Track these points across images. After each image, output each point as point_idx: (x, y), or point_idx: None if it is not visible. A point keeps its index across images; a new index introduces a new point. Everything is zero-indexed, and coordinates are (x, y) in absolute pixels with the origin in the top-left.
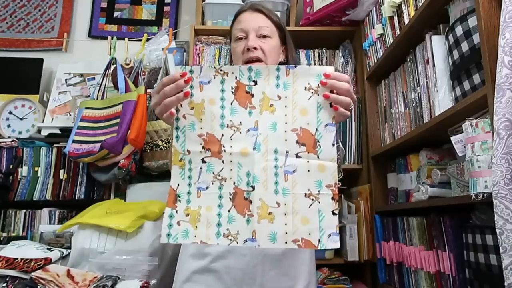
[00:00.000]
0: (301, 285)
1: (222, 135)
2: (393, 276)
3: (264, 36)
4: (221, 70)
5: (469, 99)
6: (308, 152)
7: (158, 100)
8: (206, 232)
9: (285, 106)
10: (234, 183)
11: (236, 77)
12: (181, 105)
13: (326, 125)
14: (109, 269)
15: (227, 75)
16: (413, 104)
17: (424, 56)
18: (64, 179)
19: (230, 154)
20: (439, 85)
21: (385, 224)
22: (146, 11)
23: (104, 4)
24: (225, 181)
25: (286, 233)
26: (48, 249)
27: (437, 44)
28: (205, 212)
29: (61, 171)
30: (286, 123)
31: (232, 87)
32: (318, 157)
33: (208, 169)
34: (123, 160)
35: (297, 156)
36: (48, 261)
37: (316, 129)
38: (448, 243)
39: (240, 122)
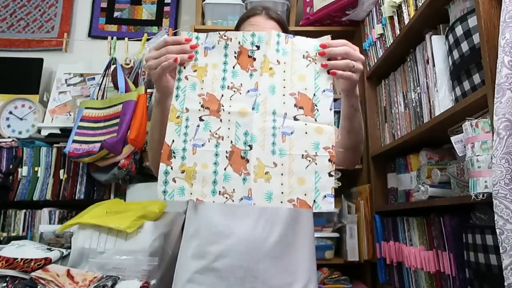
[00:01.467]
0: (301, 281)
1: (222, 95)
2: (393, 276)
3: None
4: (225, 36)
5: (469, 99)
6: (306, 115)
7: (157, 55)
8: (202, 189)
9: (284, 71)
10: (231, 142)
11: (239, 42)
12: (184, 67)
13: (324, 90)
14: (109, 269)
15: (231, 40)
16: (413, 104)
17: (424, 56)
18: (64, 179)
19: (229, 113)
20: (439, 85)
21: (385, 224)
22: (146, 11)
23: (104, 4)
24: (222, 139)
25: (282, 192)
26: (48, 249)
27: (437, 44)
28: (201, 170)
29: (61, 171)
30: (284, 87)
31: (235, 52)
32: (315, 120)
33: (206, 127)
34: (123, 160)
35: (295, 118)
36: (48, 261)
37: (314, 94)
38: (448, 243)
39: (241, 84)
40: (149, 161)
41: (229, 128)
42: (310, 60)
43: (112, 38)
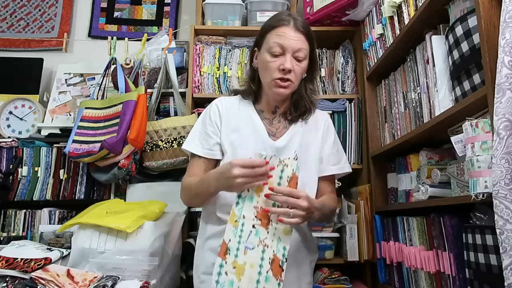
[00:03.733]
0: None
1: (271, 214)
2: (393, 276)
3: (299, 60)
4: (283, 162)
5: (469, 99)
6: None
7: (246, 175)
8: (247, 285)
9: None
10: (273, 251)
11: (293, 170)
12: (248, 190)
13: None
14: (109, 269)
15: (287, 166)
16: (413, 104)
17: (424, 56)
18: (64, 179)
19: (275, 229)
20: (439, 85)
21: (385, 224)
22: (146, 11)
23: (104, 4)
24: (267, 247)
25: None
26: (48, 249)
27: (437, 44)
28: (249, 269)
29: (61, 171)
30: None
31: (288, 177)
32: None
33: (256, 234)
34: (123, 160)
35: None
36: (48, 261)
37: None
38: (448, 243)
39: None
40: (183, 197)
41: (272, 240)
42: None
43: (112, 38)
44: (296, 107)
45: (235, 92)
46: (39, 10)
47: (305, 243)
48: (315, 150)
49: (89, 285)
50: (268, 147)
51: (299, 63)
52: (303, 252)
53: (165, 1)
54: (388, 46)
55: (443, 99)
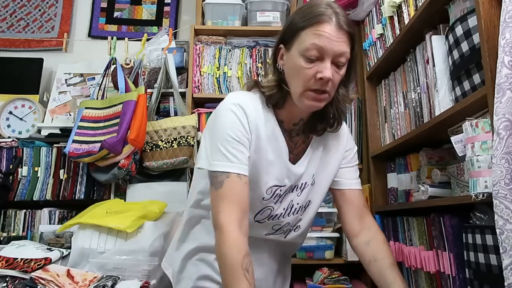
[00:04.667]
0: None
1: None
2: None
3: (339, 66)
4: None
5: (469, 99)
6: None
7: None
8: None
9: None
10: None
11: None
12: None
13: None
14: (109, 269)
15: None
16: (413, 104)
17: (424, 56)
18: (64, 179)
19: None
20: (439, 85)
21: (385, 224)
22: (146, 11)
23: (104, 4)
24: None
25: None
26: (48, 249)
27: (437, 44)
28: None
29: (61, 171)
30: None
31: None
32: None
33: None
34: (123, 160)
35: None
36: (48, 261)
37: None
38: (448, 243)
39: None
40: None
41: None
42: None
43: (112, 38)
44: (324, 118)
45: (254, 87)
46: (39, 10)
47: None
48: (333, 169)
49: (89, 285)
50: (292, 175)
51: (339, 70)
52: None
53: (165, 1)
54: (388, 46)
55: (443, 99)
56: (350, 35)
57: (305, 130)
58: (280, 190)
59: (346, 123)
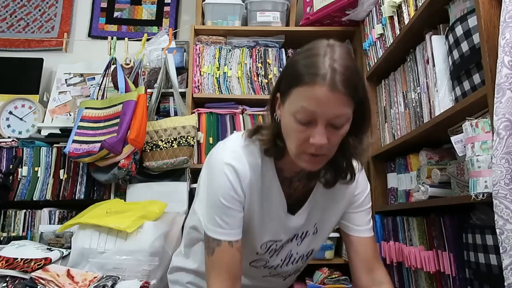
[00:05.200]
0: None
1: None
2: (393, 276)
3: (336, 127)
4: None
5: (469, 99)
6: None
7: None
8: None
9: None
10: None
11: None
12: None
13: None
14: (109, 269)
15: None
16: (413, 104)
17: (424, 56)
18: (64, 179)
19: None
20: (439, 85)
21: (385, 224)
22: (146, 11)
23: (104, 4)
24: None
25: None
26: (48, 249)
27: (437, 44)
28: None
29: (61, 171)
30: None
31: None
32: None
33: None
34: (123, 160)
35: None
36: (48, 261)
37: None
38: (448, 243)
39: None
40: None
41: None
42: None
43: (112, 38)
44: (331, 170)
45: (255, 133)
46: (39, 10)
47: None
48: (338, 216)
49: (89, 285)
50: (290, 229)
51: (337, 130)
52: None
53: (165, 1)
54: (388, 46)
55: (443, 99)
56: (349, 93)
57: (309, 176)
58: (276, 245)
59: None
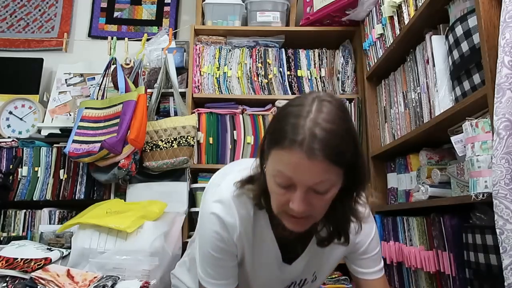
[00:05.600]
0: None
1: None
2: (393, 276)
3: (319, 192)
4: None
5: (469, 99)
6: None
7: None
8: None
9: None
10: None
11: None
12: None
13: None
14: (109, 269)
15: None
16: (413, 104)
17: (424, 56)
18: (64, 179)
19: None
20: (439, 85)
21: (385, 224)
22: (146, 11)
23: (104, 4)
24: None
25: None
26: (48, 249)
27: (437, 44)
28: None
29: (61, 171)
30: None
31: None
32: None
33: None
34: (123, 160)
35: None
36: (48, 261)
37: None
38: (448, 243)
39: None
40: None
41: None
42: None
43: (112, 38)
44: (328, 226)
45: (245, 184)
46: (39, 10)
47: None
48: (337, 261)
49: (89, 285)
50: (286, 278)
51: (322, 195)
52: None
53: (165, 1)
54: (388, 46)
55: (443, 99)
56: (331, 160)
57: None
58: None
59: None
